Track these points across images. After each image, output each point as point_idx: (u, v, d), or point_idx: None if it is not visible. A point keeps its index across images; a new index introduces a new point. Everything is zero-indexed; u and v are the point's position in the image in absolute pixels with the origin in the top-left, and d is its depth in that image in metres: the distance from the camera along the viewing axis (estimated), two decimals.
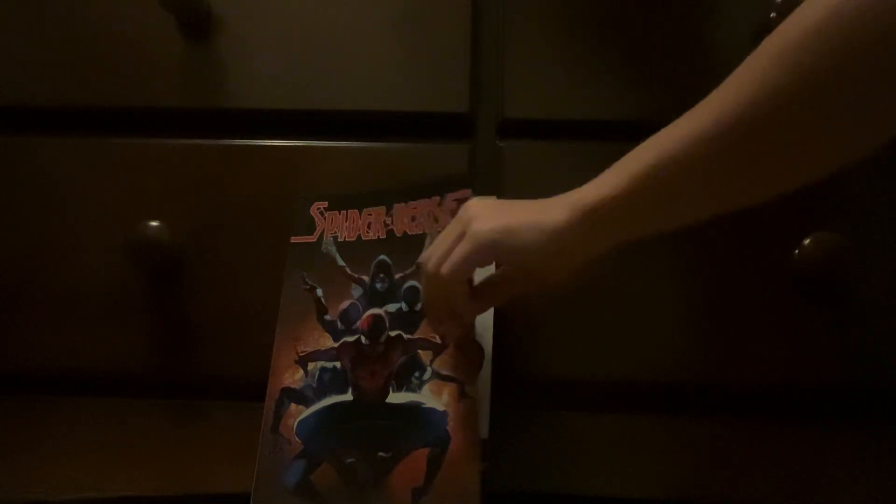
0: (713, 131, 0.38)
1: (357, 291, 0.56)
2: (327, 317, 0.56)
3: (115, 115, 0.62)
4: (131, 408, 0.60)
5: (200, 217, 0.60)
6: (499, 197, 0.57)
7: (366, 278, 0.57)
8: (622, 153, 0.55)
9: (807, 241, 0.55)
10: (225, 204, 0.60)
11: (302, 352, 0.55)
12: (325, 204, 0.59)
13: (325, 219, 0.59)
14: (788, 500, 0.55)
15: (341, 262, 0.57)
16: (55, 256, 0.60)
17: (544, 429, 0.57)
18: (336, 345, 0.55)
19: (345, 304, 0.56)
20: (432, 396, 0.52)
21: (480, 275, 0.52)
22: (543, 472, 0.57)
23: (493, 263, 0.52)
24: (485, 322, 0.54)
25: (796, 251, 0.56)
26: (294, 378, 0.55)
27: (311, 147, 0.61)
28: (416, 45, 0.61)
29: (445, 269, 0.48)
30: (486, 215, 0.47)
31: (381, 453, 0.51)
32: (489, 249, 0.47)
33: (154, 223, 0.58)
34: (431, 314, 0.52)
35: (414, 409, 0.52)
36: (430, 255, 0.50)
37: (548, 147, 0.60)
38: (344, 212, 0.59)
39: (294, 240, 0.59)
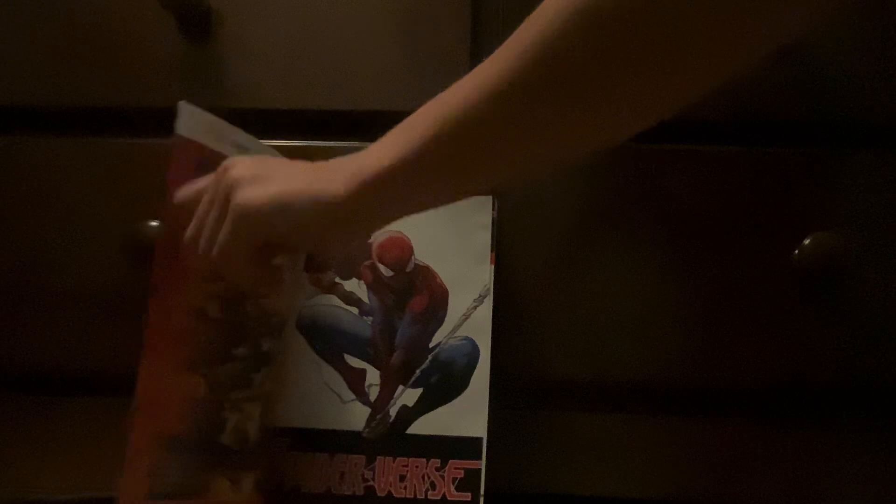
0: (495, 89, 0.35)
1: None
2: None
3: (115, 115, 0.62)
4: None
5: None
6: (495, 198, 0.57)
7: None
8: (622, 152, 0.55)
9: (807, 241, 0.55)
10: None
11: None
12: None
13: None
14: (788, 501, 0.55)
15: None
16: (55, 256, 0.60)
17: (544, 429, 0.57)
18: None
19: None
20: None
21: None
22: (543, 472, 0.57)
23: None
24: (483, 321, 0.55)
25: (796, 251, 0.56)
26: None
27: (311, 147, 0.61)
28: (416, 45, 0.61)
29: (216, 255, 0.42)
30: (250, 181, 0.41)
31: None
32: (259, 226, 0.41)
33: (154, 223, 0.58)
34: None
35: None
36: (194, 235, 0.44)
37: None
38: None
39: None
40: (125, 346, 0.59)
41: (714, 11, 0.31)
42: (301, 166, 0.43)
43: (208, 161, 0.47)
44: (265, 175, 0.42)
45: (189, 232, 0.45)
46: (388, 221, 0.43)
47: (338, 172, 0.40)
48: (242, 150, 0.51)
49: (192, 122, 0.48)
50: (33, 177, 0.61)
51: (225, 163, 0.44)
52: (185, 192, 0.47)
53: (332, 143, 0.61)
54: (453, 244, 0.56)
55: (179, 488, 0.45)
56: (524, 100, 0.35)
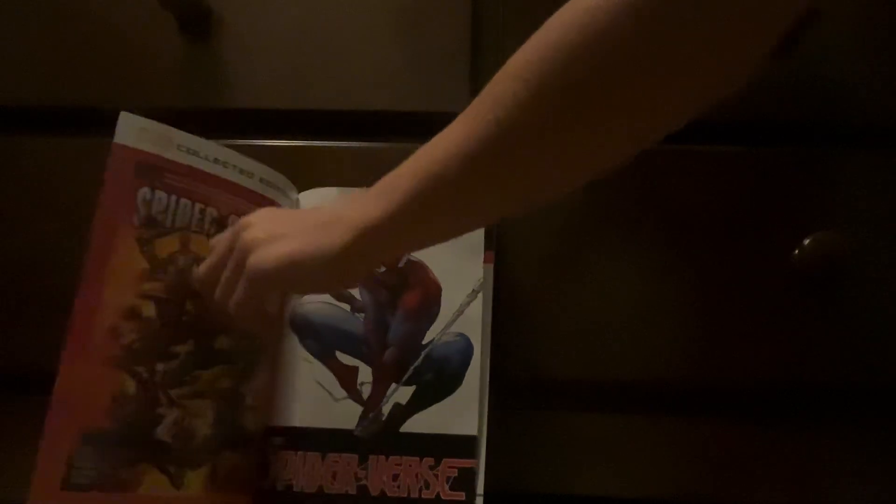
0: (465, 146, 0.38)
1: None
2: None
3: (116, 115, 0.62)
4: None
5: None
6: None
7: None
8: None
9: (807, 241, 0.55)
10: None
11: None
12: None
13: None
14: (788, 501, 0.55)
15: None
16: (55, 256, 0.60)
17: (544, 429, 0.57)
18: None
19: None
20: None
21: None
22: (543, 472, 0.56)
23: None
24: (476, 317, 0.54)
25: (796, 251, 0.56)
26: None
27: (311, 147, 0.61)
28: (416, 45, 0.61)
29: (232, 307, 0.47)
30: (263, 243, 0.46)
31: None
32: (274, 284, 0.46)
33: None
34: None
35: None
36: (207, 276, 0.50)
37: None
38: None
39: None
40: None
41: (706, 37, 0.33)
42: (309, 218, 0.46)
43: (154, 167, 0.50)
44: (277, 234, 0.46)
45: (202, 275, 0.50)
46: (381, 263, 0.48)
47: (336, 225, 0.43)
48: (192, 152, 0.52)
49: (131, 130, 0.50)
50: (33, 177, 0.61)
51: (243, 220, 0.48)
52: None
53: (332, 143, 0.61)
54: None
55: (101, 480, 0.46)
56: (505, 150, 0.38)
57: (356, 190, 0.58)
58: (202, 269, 0.51)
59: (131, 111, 0.62)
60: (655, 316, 0.57)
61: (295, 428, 0.53)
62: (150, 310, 0.49)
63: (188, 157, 0.52)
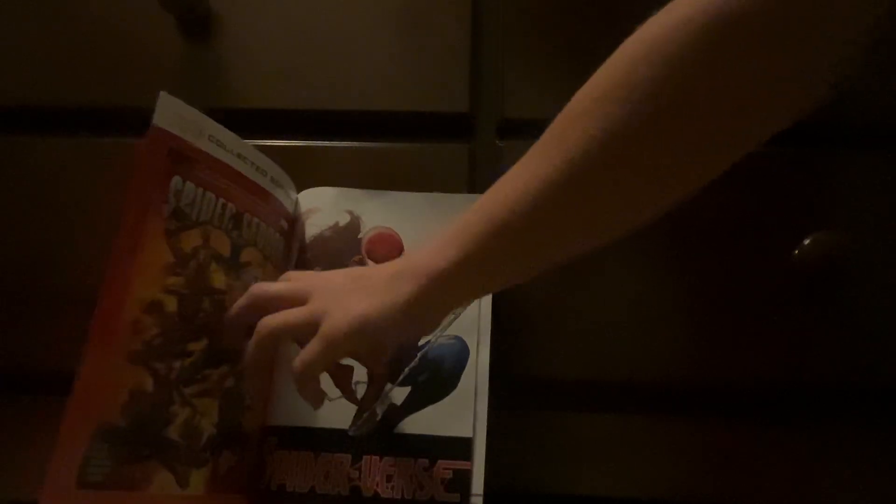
0: (534, 188, 0.37)
1: None
2: None
3: (115, 115, 0.62)
4: None
5: None
6: None
7: None
8: None
9: (807, 241, 0.55)
10: None
11: None
12: None
13: None
14: (788, 501, 0.55)
15: None
16: (55, 256, 0.60)
17: (544, 429, 0.57)
18: None
19: None
20: None
21: None
22: (543, 472, 0.56)
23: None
24: (473, 320, 0.54)
25: (796, 251, 0.56)
26: None
27: (311, 147, 0.61)
28: (416, 45, 0.61)
29: (298, 367, 0.46)
30: (338, 307, 0.45)
31: None
32: (348, 348, 0.46)
33: None
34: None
35: None
36: (234, 321, 0.50)
37: None
38: None
39: None
40: None
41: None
42: (375, 274, 0.46)
43: (187, 157, 0.48)
44: (348, 297, 0.46)
45: (271, 322, 0.48)
46: (450, 310, 0.47)
47: (404, 276, 0.44)
48: (219, 144, 0.51)
49: (169, 113, 0.48)
50: (33, 177, 0.61)
51: (306, 284, 0.48)
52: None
53: (332, 143, 0.61)
54: None
55: (114, 478, 0.44)
56: (579, 190, 0.37)
57: (356, 190, 0.59)
58: (235, 315, 0.50)
59: (131, 111, 0.62)
60: (655, 316, 0.57)
61: (289, 427, 0.53)
62: (172, 305, 0.48)
63: (216, 149, 0.51)
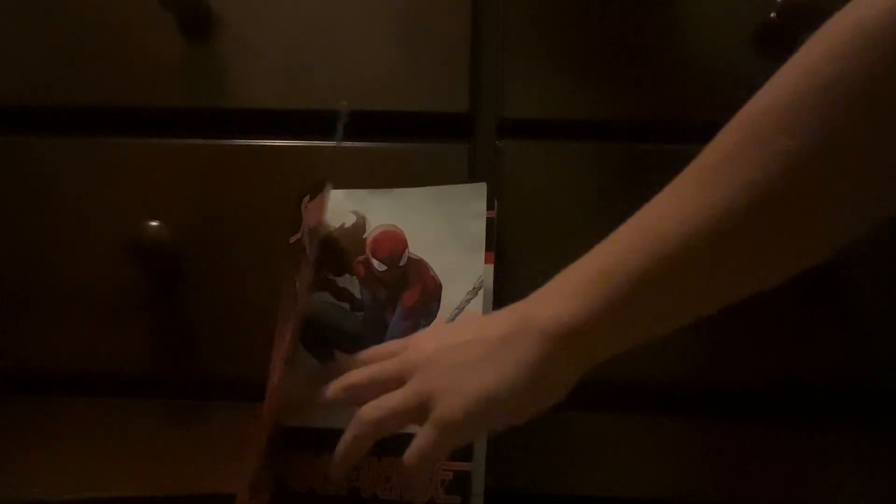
0: (710, 217, 0.32)
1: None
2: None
3: (115, 115, 0.62)
4: (131, 408, 0.59)
5: (200, 217, 0.60)
6: (498, 199, 0.57)
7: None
8: (622, 153, 0.55)
9: None
10: (225, 204, 0.60)
11: None
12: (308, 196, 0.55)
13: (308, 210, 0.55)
14: (788, 501, 0.55)
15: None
16: (55, 256, 0.60)
17: (544, 429, 0.57)
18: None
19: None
20: None
21: None
22: (543, 472, 0.56)
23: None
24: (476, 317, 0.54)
25: None
26: None
27: (311, 147, 0.61)
28: (416, 45, 0.61)
29: (415, 459, 0.40)
30: (448, 386, 0.39)
31: None
32: (468, 435, 0.40)
33: (154, 223, 0.58)
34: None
35: None
36: (378, 416, 0.42)
37: (548, 147, 0.60)
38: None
39: (292, 239, 0.59)
40: (125, 346, 0.59)
41: None
42: (485, 333, 0.39)
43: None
44: (455, 372, 0.39)
45: (370, 411, 0.43)
46: (584, 372, 0.39)
47: (527, 333, 0.37)
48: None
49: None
50: (33, 177, 0.61)
51: (416, 354, 0.42)
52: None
53: (332, 144, 0.61)
54: (447, 234, 0.55)
55: (272, 484, 0.49)
56: (771, 216, 0.32)
57: (362, 190, 0.58)
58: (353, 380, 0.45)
59: (131, 111, 0.62)
60: None
61: (290, 427, 0.53)
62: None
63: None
